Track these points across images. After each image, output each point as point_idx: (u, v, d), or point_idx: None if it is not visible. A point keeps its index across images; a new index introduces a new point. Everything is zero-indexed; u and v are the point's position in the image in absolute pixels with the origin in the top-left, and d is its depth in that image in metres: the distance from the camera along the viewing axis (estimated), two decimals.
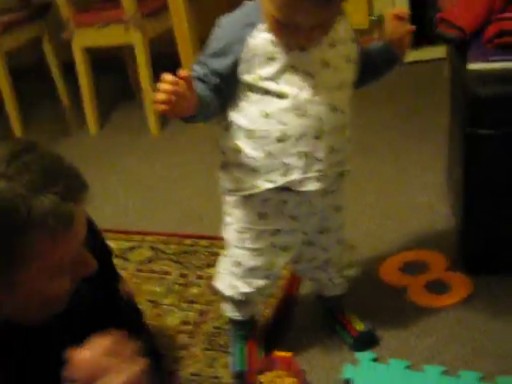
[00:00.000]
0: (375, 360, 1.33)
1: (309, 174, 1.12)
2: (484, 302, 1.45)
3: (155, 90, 0.98)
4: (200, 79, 1.08)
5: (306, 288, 1.56)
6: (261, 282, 1.26)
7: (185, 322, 1.52)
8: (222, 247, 1.78)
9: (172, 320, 1.53)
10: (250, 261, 1.23)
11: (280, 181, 1.13)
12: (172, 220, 2.03)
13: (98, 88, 2.89)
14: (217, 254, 1.74)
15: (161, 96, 0.95)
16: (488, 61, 1.39)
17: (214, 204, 1.97)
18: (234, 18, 1.09)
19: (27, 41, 3.09)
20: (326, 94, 1.09)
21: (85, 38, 2.80)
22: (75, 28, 2.77)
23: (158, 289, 1.66)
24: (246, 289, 1.26)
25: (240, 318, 1.34)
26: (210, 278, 1.65)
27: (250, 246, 1.22)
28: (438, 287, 1.52)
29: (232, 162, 1.16)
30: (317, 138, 1.10)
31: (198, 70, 1.09)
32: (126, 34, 2.69)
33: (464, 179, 1.46)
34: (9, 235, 0.81)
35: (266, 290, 1.30)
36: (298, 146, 1.10)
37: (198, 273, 1.71)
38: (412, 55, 3.13)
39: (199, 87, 1.06)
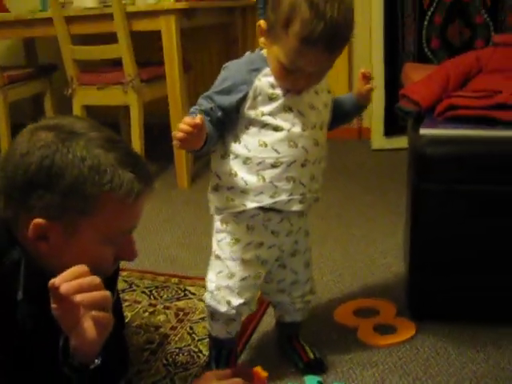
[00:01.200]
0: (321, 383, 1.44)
1: (294, 196, 1.31)
2: (426, 343, 1.58)
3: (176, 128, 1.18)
4: (205, 112, 1.26)
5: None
6: (248, 294, 1.39)
7: (149, 342, 1.63)
8: (191, 284, 1.94)
9: (137, 339, 1.64)
10: (242, 271, 1.37)
11: (267, 201, 1.30)
12: (150, 262, 2.18)
13: None
14: (186, 290, 1.91)
15: (179, 135, 1.15)
16: (437, 128, 1.60)
17: (187, 250, 2.12)
18: (240, 63, 1.30)
19: (30, 95, 3.32)
20: (312, 130, 1.30)
21: (85, 97, 3.03)
22: (77, 86, 3.01)
23: (128, 314, 1.77)
24: (238, 301, 1.38)
25: (227, 336, 1.44)
26: (177, 309, 1.79)
27: (241, 256, 1.36)
28: (385, 329, 1.65)
29: (225, 185, 1.33)
30: (303, 165, 1.30)
31: (205, 104, 1.28)
32: (124, 96, 2.92)
33: (411, 232, 1.64)
34: (92, 187, 1.00)
35: (251, 304, 1.42)
36: (288, 172, 1.29)
37: (167, 304, 1.83)
38: (385, 143, 3.41)
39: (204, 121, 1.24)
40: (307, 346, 1.54)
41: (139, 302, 1.85)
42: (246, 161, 1.28)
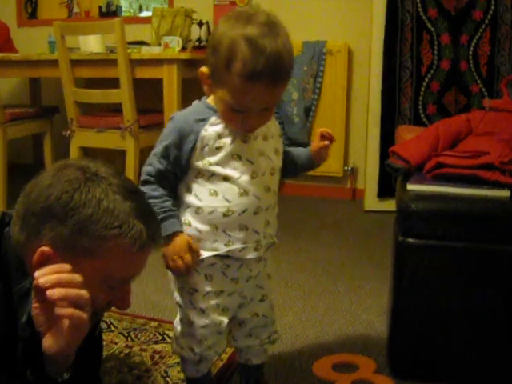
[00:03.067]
0: None
1: (248, 245, 1.31)
2: None
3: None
4: (162, 175, 1.28)
5: None
6: (211, 340, 1.38)
7: (121, 383, 1.59)
8: (170, 329, 1.91)
9: (110, 379, 1.60)
10: (201, 319, 1.36)
11: (223, 249, 1.30)
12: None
13: None
14: (164, 334, 1.88)
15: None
16: (423, 184, 1.62)
17: (170, 297, 2.11)
18: (185, 113, 1.31)
19: (30, 134, 3.36)
20: (262, 177, 1.30)
21: (84, 138, 3.07)
22: (77, 128, 3.05)
23: (104, 353, 1.73)
24: (200, 347, 1.37)
25: (198, 375, 1.44)
26: (153, 351, 1.76)
27: (200, 305, 1.35)
28: None
29: None
30: (255, 213, 1.30)
31: (157, 166, 1.28)
32: (121, 141, 2.96)
33: (393, 287, 1.63)
34: (102, 228, 1.03)
35: (217, 347, 1.41)
36: (240, 221, 1.29)
37: (143, 346, 1.80)
38: (378, 205, 3.42)
39: (164, 197, 1.30)
40: None
41: (116, 343, 1.82)
42: (198, 210, 1.29)
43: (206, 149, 1.26)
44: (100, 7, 4.10)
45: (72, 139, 3.07)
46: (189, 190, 1.30)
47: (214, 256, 1.31)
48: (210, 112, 1.28)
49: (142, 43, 3.34)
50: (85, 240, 1.03)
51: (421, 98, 3.27)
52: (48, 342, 1.02)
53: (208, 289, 1.34)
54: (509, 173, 1.59)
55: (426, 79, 3.24)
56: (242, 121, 1.22)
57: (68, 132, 3.06)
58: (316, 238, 2.93)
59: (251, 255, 1.32)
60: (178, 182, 1.32)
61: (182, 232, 1.30)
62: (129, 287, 1.15)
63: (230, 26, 1.16)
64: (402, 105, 3.30)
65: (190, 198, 1.30)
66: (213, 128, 1.26)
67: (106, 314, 1.99)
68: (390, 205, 3.24)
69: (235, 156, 1.27)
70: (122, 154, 3.20)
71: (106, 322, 1.96)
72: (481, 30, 3.14)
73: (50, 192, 1.04)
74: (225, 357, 1.73)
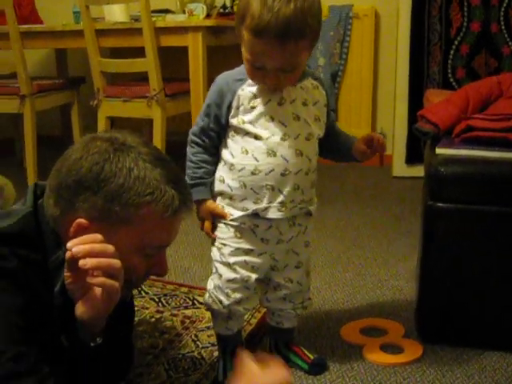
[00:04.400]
0: None
1: (272, 204, 1.33)
2: (432, 365, 1.55)
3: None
4: (206, 133, 1.36)
5: None
6: (238, 295, 1.41)
7: (153, 347, 1.63)
8: (200, 294, 1.93)
9: (142, 343, 1.64)
10: (228, 273, 1.40)
11: (251, 207, 1.34)
12: None
13: None
14: (194, 299, 1.90)
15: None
16: (452, 148, 1.60)
17: (200, 262, 2.12)
18: (228, 74, 1.37)
19: (58, 105, 3.39)
20: (294, 141, 1.32)
21: (110, 108, 3.08)
22: (103, 98, 3.06)
23: (135, 318, 1.77)
24: (228, 301, 1.41)
25: (228, 333, 1.48)
26: (183, 316, 1.79)
27: (228, 260, 1.40)
28: (391, 349, 1.63)
29: (217, 191, 1.39)
30: (283, 175, 1.32)
31: (202, 123, 1.37)
32: (148, 110, 2.97)
33: (422, 251, 1.62)
34: (135, 196, 1.06)
35: (245, 304, 1.44)
36: (267, 180, 1.32)
37: (174, 312, 1.83)
38: (406, 171, 3.39)
39: (206, 158, 1.38)
40: (303, 348, 1.56)
41: (147, 308, 1.86)
42: (231, 167, 1.33)
43: (242, 108, 1.31)
44: None
45: (99, 109, 3.09)
46: (226, 147, 1.35)
47: (243, 215, 1.35)
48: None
49: (166, 11, 3.31)
50: (118, 209, 1.06)
51: (450, 62, 3.20)
52: (80, 310, 1.04)
53: (237, 245, 1.38)
54: None
55: (456, 42, 3.17)
56: (263, 79, 1.26)
57: (95, 102, 3.07)
58: (344, 205, 2.92)
59: (273, 215, 1.34)
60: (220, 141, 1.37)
61: (206, 200, 1.37)
62: (164, 253, 1.18)
63: None
64: (430, 68, 3.24)
65: (225, 155, 1.35)
66: (249, 88, 1.31)
67: None
68: (419, 171, 3.20)
69: (268, 117, 1.30)
70: (149, 122, 3.22)
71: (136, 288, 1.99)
72: None
73: (81, 165, 1.06)
74: (254, 321, 1.75)
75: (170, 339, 1.67)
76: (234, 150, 1.33)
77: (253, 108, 1.30)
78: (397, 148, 3.38)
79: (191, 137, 1.39)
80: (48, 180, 1.12)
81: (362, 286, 2.04)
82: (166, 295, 1.94)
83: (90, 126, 3.31)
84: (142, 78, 3.02)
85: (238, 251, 1.39)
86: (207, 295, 1.46)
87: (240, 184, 1.33)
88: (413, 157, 3.35)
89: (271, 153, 1.30)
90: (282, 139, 1.30)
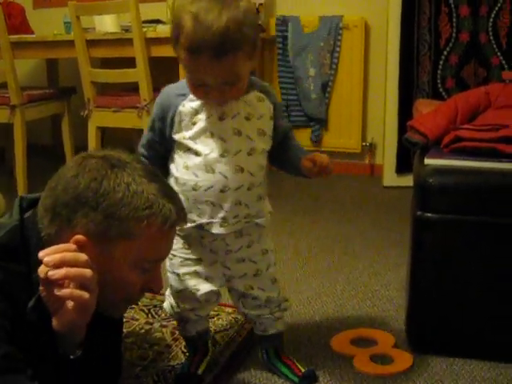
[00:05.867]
0: None
1: (214, 220, 1.34)
2: (422, 376, 1.55)
3: None
4: (151, 146, 1.37)
5: None
6: (189, 305, 1.45)
7: (142, 358, 1.62)
8: None
9: (131, 355, 1.63)
10: (176, 284, 1.44)
11: (197, 221, 1.35)
12: None
13: None
14: None
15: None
16: (441, 158, 1.60)
17: None
18: (170, 88, 1.37)
19: (48, 115, 3.38)
20: (234, 157, 1.31)
21: (101, 118, 3.08)
22: (94, 108, 3.06)
23: (124, 330, 1.75)
24: (177, 308, 1.46)
25: (187, 334, 1.53)
26: (173, 327, 1.78)
27: (177, 270, 1.43)
28: (382, 359, 1.62)
29: None
30: (222, 191, 1.32)
31: (147, 136, 1.38)
32: (138, 120, 2.97)
33: (411, 262, 1.62)
34: (134, 211, 1.07)
35: (199, 311, 1.47)
36: (206, 196, 1.33)
37: (164, 323, 1.82)
38: (396, 180, 3.40)
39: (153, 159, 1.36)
40: (294, 359, 1.56)
41: (136, 320, 1.84)
42: (176, 180, 1.35)
43: (184, 123, 1.32)
44: None
45: (90, 119, 3.08)
46: (172, 161, 1.37)
47: (190, 227, 1.36)
48: None
49: (157, 21, 3.32)
50: (118, 224, 1.06)
51: (439, 72, 3.22)
52: (55, 323, 1.04)
53: (185, 256, 1.41)
54: None
55: (445, 52, 3.19)
56: (206, 95, 1.26)
57: (85, 112, 3.07)
58: (335, 214, 2.93)
59: (217, 230, 1.35)
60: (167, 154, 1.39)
61: None
62: (160, 269, 1.18)
63: (181, 2, 1.21)
64: (420, 79, 3.26)
65: (172, 168, 1.37)
66: (190, 104, 1.31)
67: None
68: (409, 180, 3.19)
69: (208, 133, 1.31)
70: (139, 133, 3.21)
71: None
72: (500, 1, 3.07)
73: (78, 181, 1.07)
74: (243, 332, 1.74)
75: (159, 351, 1.66)
76: (178, 165, 1.35)
77: (194, 124, 1.31)
78: (387, 158, 3.39)
79: (139, 149, 1.40)
80: (41, 200, 1.12)
81: (352, 296, 2.04)
82: (155, 306, 1.93)
83: (80, 136, 3.31)
84: (133, 88, 3.03)
85: (187, 262, 1.42)
86: (166, 301, 1.51)
87: (184, 198, 1.33)
88: (403, 166, 3.35)
89: (210, 169, 1.31)
90: (221, 155, 1.30)
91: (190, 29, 1.17)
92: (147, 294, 1.98)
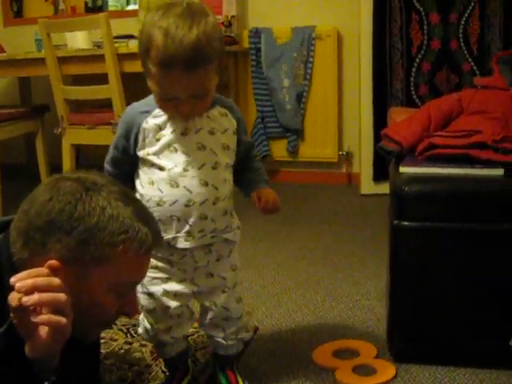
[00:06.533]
0: None
1: (179, 234, 1.34)
2: None
3: None
4: (115, 163, 1.37)
5: None
6: (161, 326, 1.43)
7: (122, 380, 1.59)
8: None
9: (110, 377, 1.60)
10: (148, 304, 1.42)
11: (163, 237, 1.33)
12: None
13: None
14: None
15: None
16: (416, 166, 1.61)
17: None
18: (134, 106, 1.36)
19: (21, 134, 3.34)
20: (198, 171, 1.31)
21: (75, 136, 3.05)
22: (67, 126, 3.03)
23: (103, 351, 1.73)
24: (152, 332, 1.44)
25: (166, 357, 1.51)
26: (153, 347, 1.75)
27: (147, 289, 1.41)
28: (364, 371, 1.61)
29: None
30: (187, 206, 1.32)
31: (112, 154, 1.37)
32: (113, 136, 2.92)
33: (390, 270, 1.62)
34: (109, 235, 1.05)
35: (172, 332, 1.45)
36: (172, 211, 1.32)
37: (143, 342, 1.79)
38: (374, 188, 3.41)
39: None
40: (240, 375, 1.54)
41: (115, 340, 1.81)
42: (141, 197, 1.33)
43: (147, 140, 1.31)
44: (86, 2, 4.06)
45: (64, 137, 3.05)
46: (137, 177, 1.36)
47: None
48: (155, 104, 1.30)
49: (129, 37, 3.30)
50: (93, 249, 1.04)
51: (412, 79, 3.25)
52: (28, 349, 1.00)
53: (154, 275, 1.40)
54: (501, 151, 1.58)
55: (417, 60, 3.22)
56: (175, 109, 1.26)
57: (59, 130, 3.04)
58: (313, 224, 2.92)
59: (182, 245, 1.34)
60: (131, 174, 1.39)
61: None
62: (135, 292, 1.17)
63: (150, 18, 1.21)
64: (393, 87, 3.28)
65: (137, 185, 1.37)
66: (154, 120, 1.31)
67: None
68: (387, 188, 3.19)
69: (172, 148, 1.31)
70: None
71: None
72: (470, 8, 3.12)
73: (52, 205, 1.05)
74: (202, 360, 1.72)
75: (139, 371, 1.63)
76: (143, 181, 1.34)
77: (157, 140, 1.30)
78: (364, 166, 3.41)
79: (105, 166, 1.40)
80: (14, 223, 1.10)
81: (333, 306, 2.03)
82: (134, 325, 1.90)
83: (55, 154, 3.27)
84: (107, 104, 3.00)
85: (156, 280, 1.40)
86: (140, 326, 1.48)
87: None
88: (380, 174, 3.36)
89: (174, 184, 1.30)
90: (185, 170, 1.30)
91: (161, 43, 1.17)
92: None
